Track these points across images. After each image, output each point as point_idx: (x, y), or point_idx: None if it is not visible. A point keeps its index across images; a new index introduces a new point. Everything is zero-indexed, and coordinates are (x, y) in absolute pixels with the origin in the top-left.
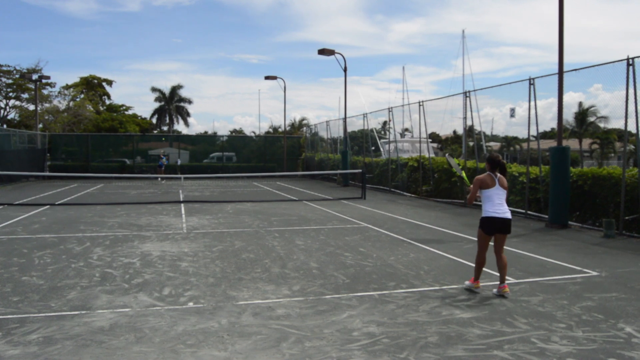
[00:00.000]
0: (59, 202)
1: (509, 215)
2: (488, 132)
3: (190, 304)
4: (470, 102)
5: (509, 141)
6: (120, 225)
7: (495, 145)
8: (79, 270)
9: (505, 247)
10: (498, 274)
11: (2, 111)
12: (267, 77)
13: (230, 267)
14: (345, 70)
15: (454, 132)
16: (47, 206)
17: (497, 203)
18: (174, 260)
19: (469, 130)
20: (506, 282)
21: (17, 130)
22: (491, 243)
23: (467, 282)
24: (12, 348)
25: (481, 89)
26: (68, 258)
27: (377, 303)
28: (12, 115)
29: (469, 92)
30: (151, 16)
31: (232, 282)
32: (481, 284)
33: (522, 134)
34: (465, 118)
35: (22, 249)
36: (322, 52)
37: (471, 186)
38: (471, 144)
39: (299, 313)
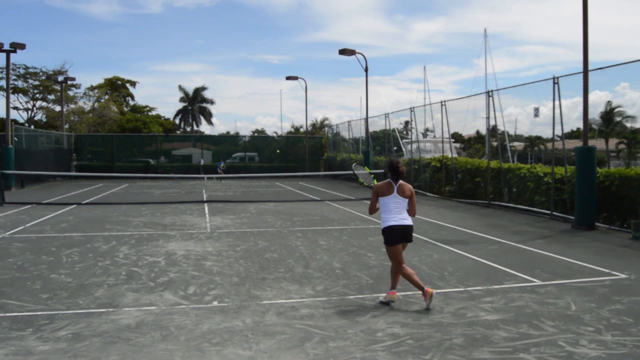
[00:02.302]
0: (85, 201)
1: (408, 222)
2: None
3: (215, 303)
4: (493, 101)
5: (533, 141)
6: (145, 225)
7: (519, 145)
8: (105, 268)
9: (531, 248)
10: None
11: (29, 112)
12: (288, 78)
13: (253, 267)
14: (366, 70)
15: (477, 132)
16: (74, 205)
17: (394, 211)
18: (199, 260)
19: (492, 130)
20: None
21: (44, 131)
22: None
23: (383, 296)
24: (42, 344)
25: (504, 88)
26: (95, 256)
27: (400, 304)
28: (39, 116)
29: (492, 91)
30: (173, 17)
31: (255, 282)
32: (505, 285)
33: (546, 133)
34: (488, 118)
35: (51, 247)
36: (343, 52)
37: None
38: (495, 144)
39: (322, 313)
